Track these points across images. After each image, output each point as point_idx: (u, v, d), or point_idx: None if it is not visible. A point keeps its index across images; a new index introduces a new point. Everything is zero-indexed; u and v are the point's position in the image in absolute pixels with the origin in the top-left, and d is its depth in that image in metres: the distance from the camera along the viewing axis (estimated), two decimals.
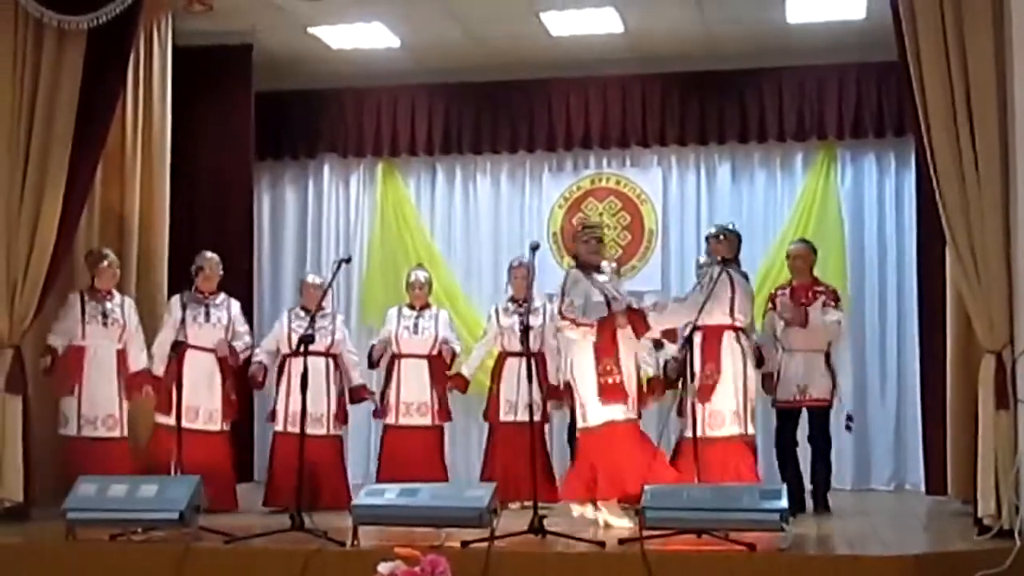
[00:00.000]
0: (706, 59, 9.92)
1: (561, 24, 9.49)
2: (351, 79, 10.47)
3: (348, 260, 8.39)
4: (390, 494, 6.52)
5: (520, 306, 8.45)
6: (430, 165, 10.82)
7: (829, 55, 9.70)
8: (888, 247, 10.04)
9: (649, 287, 10.14)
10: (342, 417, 8.43)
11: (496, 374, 8.63)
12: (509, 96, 10.38)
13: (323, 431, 8.18)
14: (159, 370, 8.07)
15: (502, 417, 8.50)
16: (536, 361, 7.95)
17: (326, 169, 10.93)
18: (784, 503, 6.08)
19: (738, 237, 7.67)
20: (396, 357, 8.63)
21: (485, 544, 6.01)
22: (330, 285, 7.85)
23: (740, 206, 10.19)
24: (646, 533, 6.05)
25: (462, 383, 8.76)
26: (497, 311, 8.68)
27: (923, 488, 8.79)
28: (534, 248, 7.08)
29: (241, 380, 8.42)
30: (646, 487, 6.43)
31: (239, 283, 9.07)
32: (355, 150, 10.73)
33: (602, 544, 6.18)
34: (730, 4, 9.05)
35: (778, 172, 10.30)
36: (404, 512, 6.39)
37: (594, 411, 7.18)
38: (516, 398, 8.15)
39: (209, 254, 8.25)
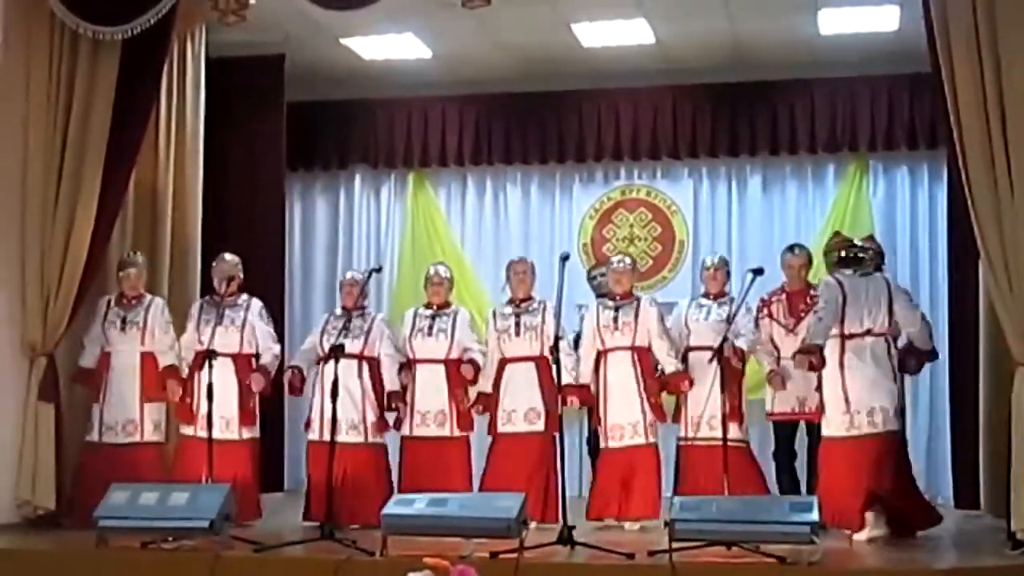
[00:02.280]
0: (737, 70, 9.90)
1: (592, 35, 9.50)
2: (382, 90, 10.51)
3: (379, 270, 8.41)
4: (419, 504, 6.54)
5: (519, 306, 7.92)
6: (461, 176, 10.84)
7: (861, 66, 9.66)
8: (920, 259, 9.98)
9: (679, 298, 10.10)
10: (381, 425, 7.88)
11: (496, 382, 7.89)
12: (540, 107, 10.39)
13: (360, 439, 7.71)
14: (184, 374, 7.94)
15: (501, 428, 7.79)
16: (540, 366, 7.73)
17: (357, 179, 10.97)
18: (815, 516, 6.06)
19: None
20: (410, 362, 7.97)
21: (514, 555, 6.01)
22: (361, 294, 7.82)
23: (771, 218, 10.16)
24: (675, 545, 6.03)
25: (488, 402, 7.97)
26: (495, 314, 8.03)
27: (952, 502, 8.74)
28: (564, 259, 7.07)
29: (273, 387, 8.14)
30: (675, 499, 6.44)
31: (270, 293, 9.07)
32: (386, 161, 10.76)
33: (631, 556, 6.16)
34: (762, 15, 9.04)
35: (810, 184, 10.26)
36: (433, 522, 6.40)
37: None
38: (543, 405, 7.68)
39: (228, 256, 8.08)
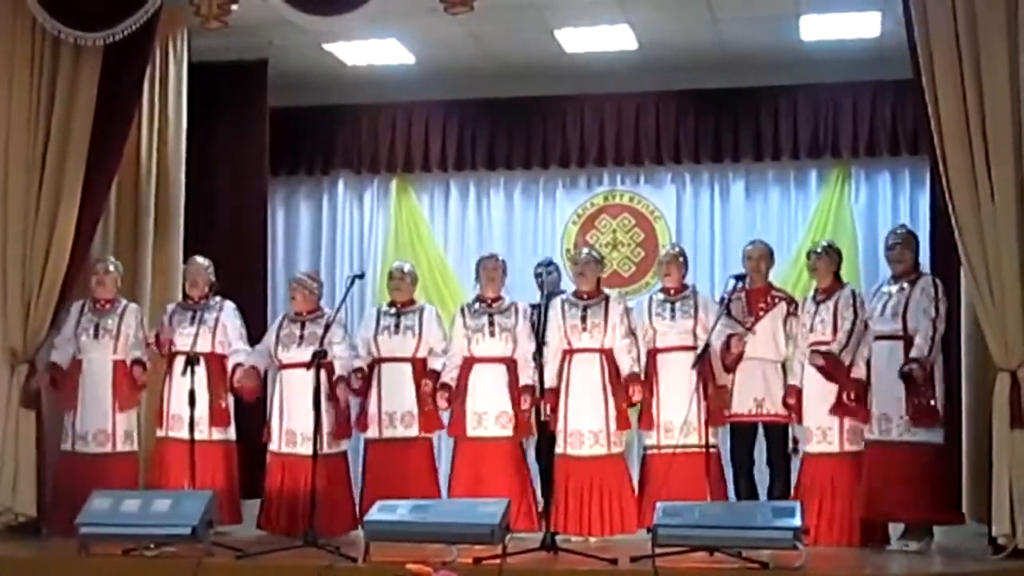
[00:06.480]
0: (720, 77, 9.91)
1: (575, 41, 9.50)
2: (366, 95, 10.49)
3: (362, 276, 8.39)
4: (402, 510, 6.54)
5: (490, 306, 7.74)
6: (444, 181, 10.82)
7: (844, 73, 9.67)
8: None
9: None
10: (340, 432, 7.72)
11: (462, 383, 7.67)
12: (523, 113, 10.38)
13: (320, 449, 7.23)
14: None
15: (471, 432, 7.55)
16: (510, 368, 7.59)
17: (340, 185, 10.94)
18: (798, 521, 6.07)
19: (838, 254, 7.54)
20: (376, 361, 7.76)
21: (497, 561, 6.01)
22: (344, 301, 7.78)
23: (754, 224, 10.15)
24: (658, 551, 6.04)
25: (451, 396, 7.70)
26: (464, 312, 7.82)
27: None
28: (548, 265, 7.06)
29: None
30: (658, 503, 6.44)
31: (253, 299, 9.07)
32: (369, 166, 10.74)
33: (614, 561, 6.17)
34: (744, 22, 9.06)
35: (792, 190, 10.26)
36: (416, 528, 6.40)
37: None
38: (512, 409, 7.51)
39: (199, 259, 8.07)
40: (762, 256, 7.73)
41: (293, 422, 7.63)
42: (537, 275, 8.24)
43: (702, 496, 6.93)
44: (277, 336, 7.87)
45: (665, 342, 7.52)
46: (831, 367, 7.12)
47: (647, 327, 7.61)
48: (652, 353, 7.56)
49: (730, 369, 7.43)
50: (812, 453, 7.24)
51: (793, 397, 7.36)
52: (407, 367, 7.78)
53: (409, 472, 7.57)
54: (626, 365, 7.48)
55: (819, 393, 7.20)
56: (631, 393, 7.47)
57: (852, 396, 7.07)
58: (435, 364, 7.77)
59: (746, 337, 7.44)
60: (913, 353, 6.90)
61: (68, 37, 7.58)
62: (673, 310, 7.55)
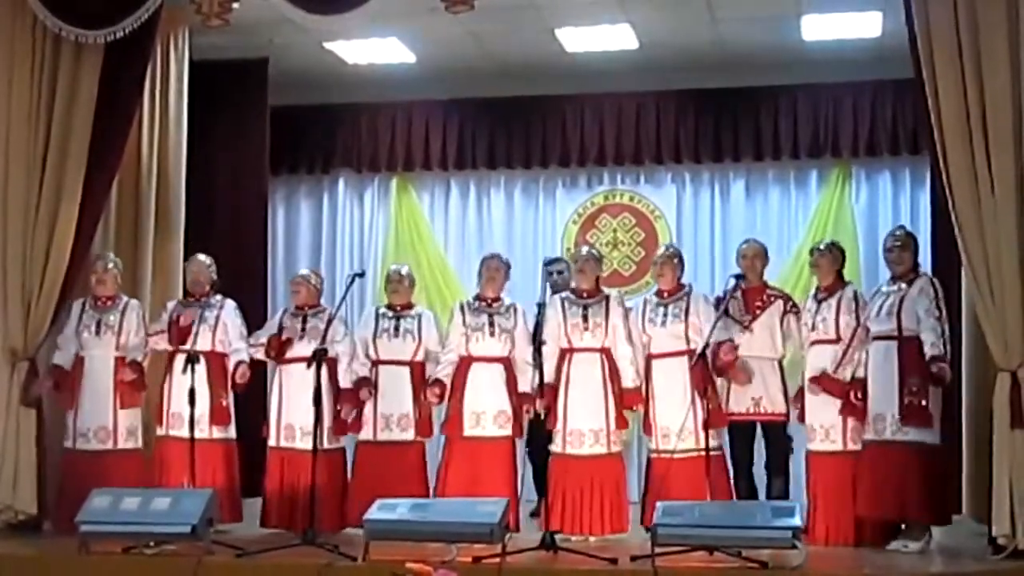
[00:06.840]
0: (721, 76, 9.91)
1: (576, 40, 9.51)
2: (366, 94, 10.49)
3: (362, 275, 8.35)
4: (402, 509, 6.54)
5: (490, 306, 7.69)
6: (444, 180, 10.82)
7: (844, 73, 9.68)
8: None
9: None
10: (339, 428, 7.65)
11: (458, 381, 7.62)
12: (524, 112, 10.39)
13: (320, 444, 7.21)
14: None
15: (468, 431, 7.47)
16: (507, 368, 7.55)
17: (341, 184, 10.95)
18: (798, 521, 6.07)
19: (841, 253, 7.49)
20: (374, 364, 7.73)
21: (497, 560, 6.01)
22: (343, 300, 7.78)
23: (754, 223, 10.15)
24: (658, 550, 6.04)
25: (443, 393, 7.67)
26: (463, 309, 7.72)
27: None
28: (548, 264, 7.04)
29: (251, 389, 8.03)
30: (658, 503, 6.43)
31: (254, 298, 9.07)
32: (370, 165, 10.74)
33: (614, 561, 6.18)
34: (745, 21, 9.06)
35: (792, 189, 10.27)
36: (416, 527, 6.40)
37: None
38: (511, 409, 7.48)
39: (201, 257, 8.08)
40: (756, 255, 7.71)
41: (292, 417, 7.63)
42: (548, 272, 8.22)
43: (703, 499, 6.88)
44: (280, 330, 7.85)
45: (659, 347, 7.49)
46: (826, 387, 7.13)
47: (641, 333, 7.57)
48: (647, 359, 7.53)
49: (721, 374, 7.41)
50: (815, 451, 7.22)
51: (801, 397, 7.35)
52: (405, 370, 7.74)
53: (400, 475, 7.50)
54: (628, 378, 7.44)
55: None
56: (635, 409, 7.49)
57: (859, 395, 7.05)
58: (431, 371, 7.75)
59: (740, 339, 7.42)
60: (932, 352, 6.78)
61: (69, 35, 7.58)
62: (665, 314, 7.50)
